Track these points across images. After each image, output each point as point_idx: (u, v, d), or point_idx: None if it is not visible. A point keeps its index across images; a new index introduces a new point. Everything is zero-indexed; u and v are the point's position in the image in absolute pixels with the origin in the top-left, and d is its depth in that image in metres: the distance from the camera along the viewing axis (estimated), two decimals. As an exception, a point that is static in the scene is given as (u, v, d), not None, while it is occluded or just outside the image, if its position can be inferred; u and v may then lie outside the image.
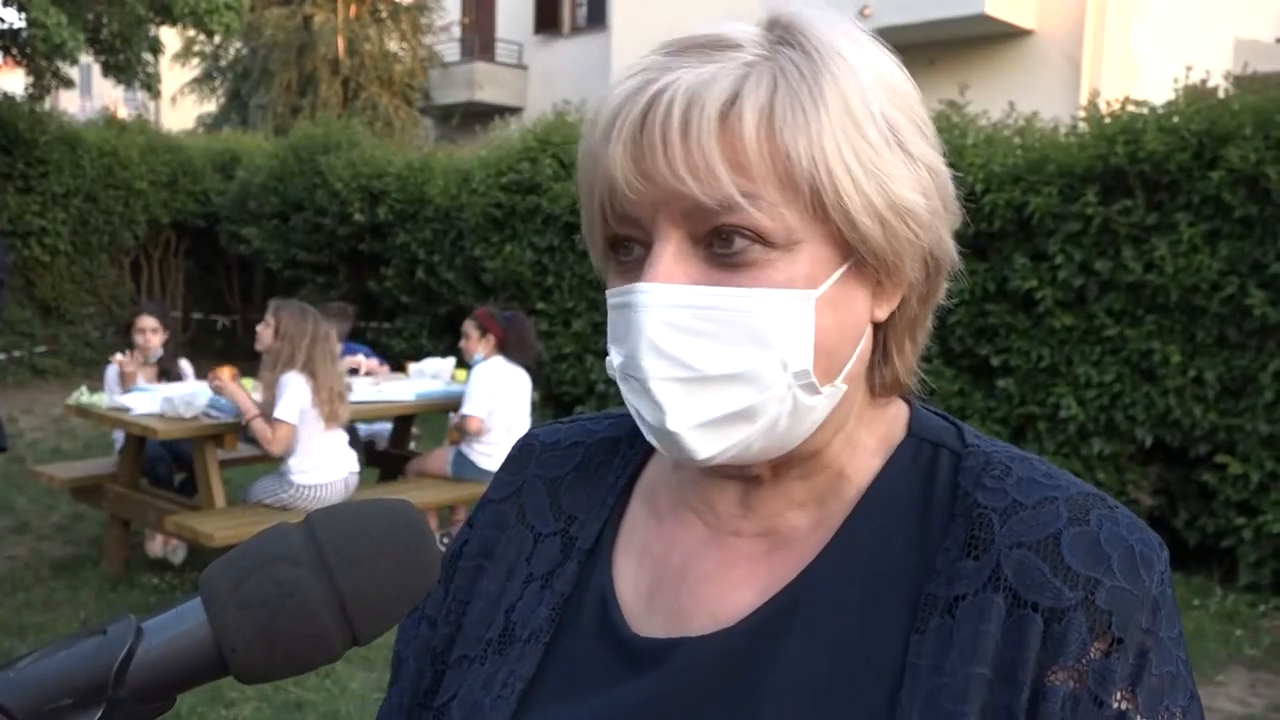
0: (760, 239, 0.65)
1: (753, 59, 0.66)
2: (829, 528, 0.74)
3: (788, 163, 0.64)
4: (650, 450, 0.84)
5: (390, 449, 6.47)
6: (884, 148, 0.66)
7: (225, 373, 4.89)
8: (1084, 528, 0.67)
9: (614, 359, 0.70)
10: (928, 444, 0.76)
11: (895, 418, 0.78)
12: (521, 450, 0.89)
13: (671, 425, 0.67)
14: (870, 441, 0.76)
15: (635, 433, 0.84)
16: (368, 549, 0.51)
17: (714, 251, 0.66)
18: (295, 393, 4.63)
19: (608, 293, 0.72)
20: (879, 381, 0.75)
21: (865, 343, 0.71)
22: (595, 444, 0.87)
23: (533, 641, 0.76)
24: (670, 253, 0.66)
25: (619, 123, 0.66)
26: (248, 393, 4.79)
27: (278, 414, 4.63)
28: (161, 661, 0.48)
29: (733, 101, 0.64)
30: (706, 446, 0.68)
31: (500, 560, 0.83)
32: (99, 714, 0.46)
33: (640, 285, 0.67)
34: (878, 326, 0.73)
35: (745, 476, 0.75)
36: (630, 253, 0.70)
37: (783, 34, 0.68)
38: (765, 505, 0.76)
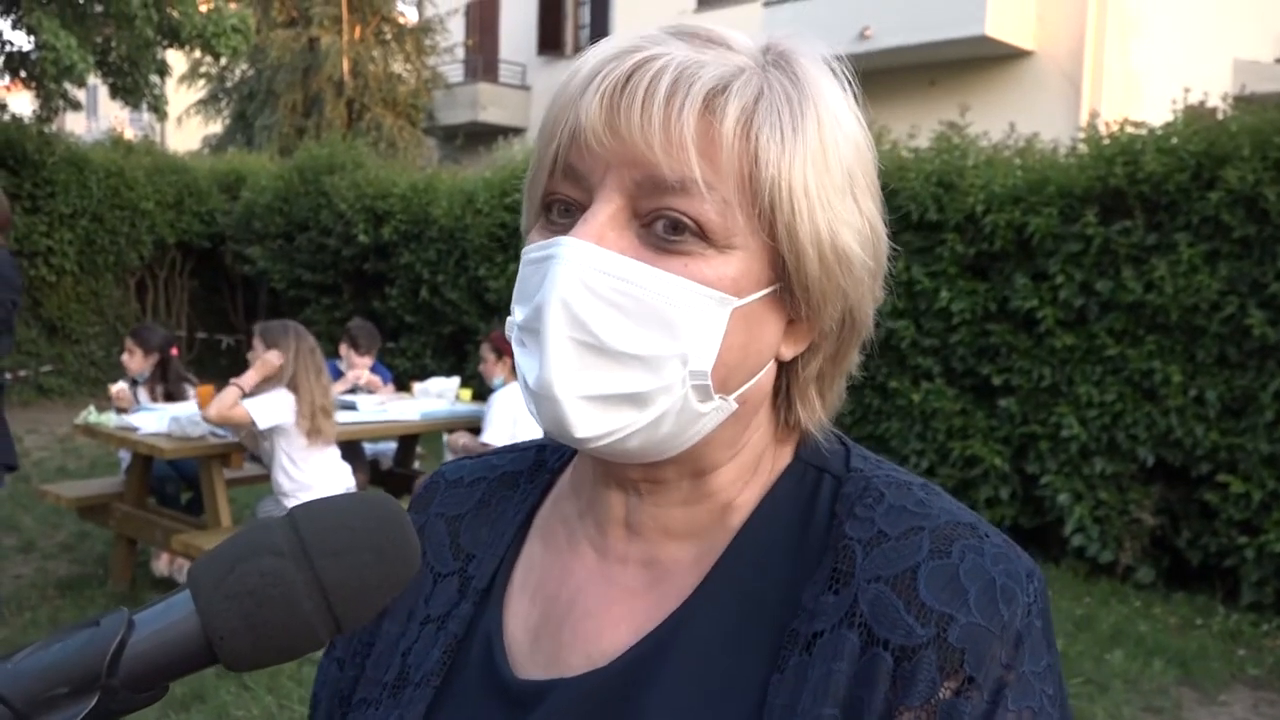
0: (700, 233, 0.64)
1: (745, 65, 0.66)
2: (708, 562, 0.72)
3: (754, 166, 0.64)
4: (549, 484, 0.83)
5: (395, 468, 6.49)
6: (842, 193, 0.67)
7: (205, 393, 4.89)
8: (944, 560, 0.65)
9: (515, 317, 0.68)
10: (812, 469, 0.74)
11: (784, 441, 0.76)
12: (427, 489, 0.88)
13: (559, 391, 0.64)
14: (763, 470, 0.74)
15: (536, 467, 0.85)
16: (349, 540, 0.53)
17: (651, 231, 0.65)
18: (276, 404, 4.60)
19: (526, 248, 0.69)
20: (781, 426, 0.74)
21: (767, 375, 0.70)
22: (496, 479, 0.85)
23: (423, 685, 0.74)
24: (607, 215, 0.64)
25: (602, 74, 0.64)
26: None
27: (248, 404, 4.56)
28: (152, 651, 0.50)
29: (721, 91, 0.64)
30: (586, 424, 0.65)
31: (402, 602, 0.81)
32: (93, 702, 0.48)
33: (566, 239, 0.64)
34: (782, 369, 0.72)
35: (621, 484, 0.74)
36: (566, 215, 0.67)
37: (776, 58, 0.68)
38: (645, 528, 0.74)
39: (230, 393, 4.56)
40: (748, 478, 0.73)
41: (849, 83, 0.71)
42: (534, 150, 0.70)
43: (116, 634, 0.49)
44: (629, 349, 0.64)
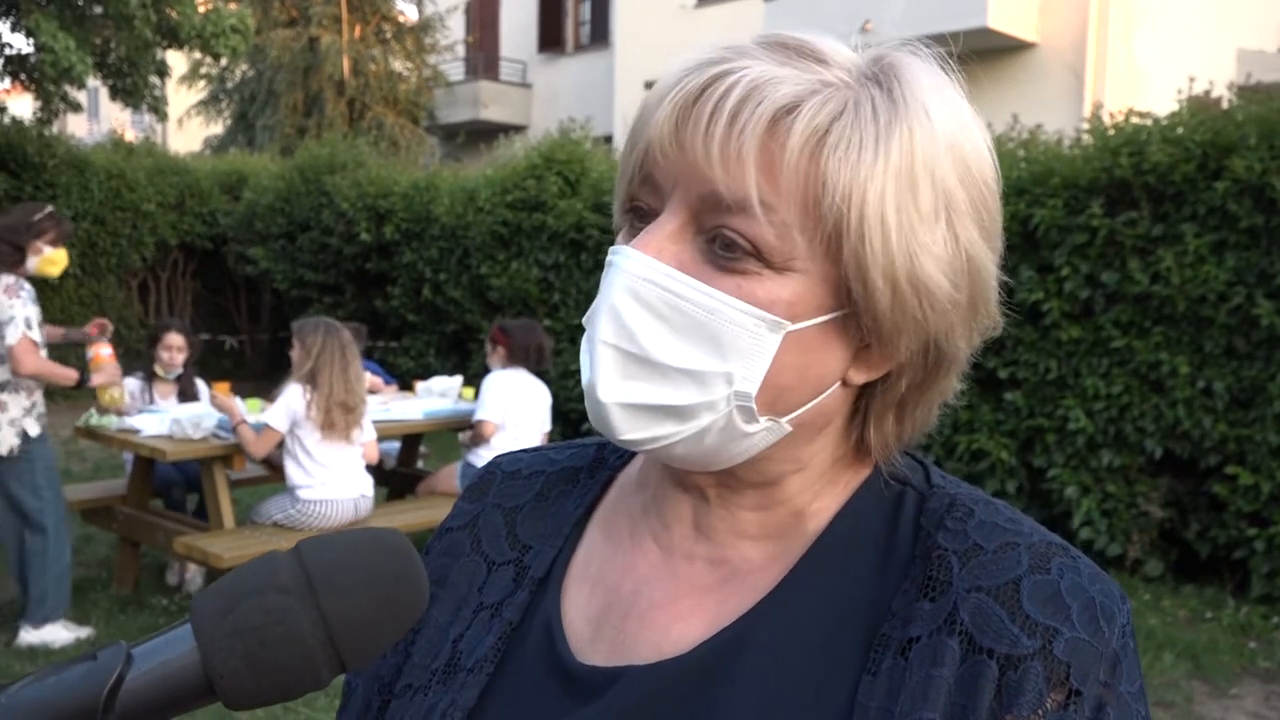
0: (757, 253, 0.63)
1: (833, 80, 0.64)
2: (785, 564, 0.71)
3: (820, 190, 0.62)
4: (610, 479, 0.83)
5: (398, 468, 6.49)
6: (931, 219, 0.63)
7: (220, 388, 5.15)
8: (1045, 576, 0.65)
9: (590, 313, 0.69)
10: (894, 482, 0.74)
11: (860, 459, 0.75)
12: (483, 478, 0.88)
13: (601, 395, 0.65)
14: (838, 481, 0.74)
15: (595, 462, 0.85)
16: (356, 578, 0.51)
17: (711, 247, 0.64)
18: (286, 400, 4.68)
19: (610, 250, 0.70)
20: (855, 444, 0.73)
21: (832, 397, 0.68)
22: (555, 473, 0.85)
23: (476, 671, 0.74)
24: (670, 229, 0.65)
25: (678, 87, 0.64)
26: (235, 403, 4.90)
27: (263, 417, 4.68)
28: (150, 688, 0.48)
29: (791, 109, 0.62)
30: (628, 428, 0.66)
31: (452, 589, 0.81)
32: (88, 741, 0.46)
33: (626, 248, 0.65)
34: (863, 390, 0.70)
35: (690, 489, 0.74)
36: (644, 219, 0.68)
37: (878, 71, 0.65)
38: (716, 530, 0.73)
39: (243, 431, 4.68)
40: (819, 487, 0.73)
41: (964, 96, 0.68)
42: (622, 152, 0.70)
43: (114, 669, 0.47)
44: (673, 362, 0.64)
